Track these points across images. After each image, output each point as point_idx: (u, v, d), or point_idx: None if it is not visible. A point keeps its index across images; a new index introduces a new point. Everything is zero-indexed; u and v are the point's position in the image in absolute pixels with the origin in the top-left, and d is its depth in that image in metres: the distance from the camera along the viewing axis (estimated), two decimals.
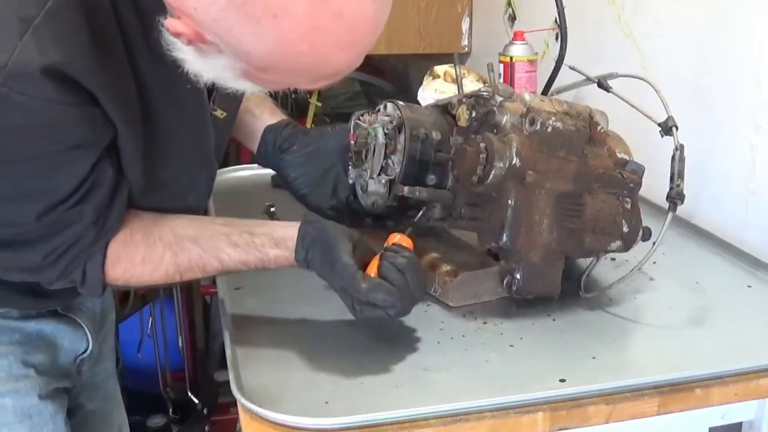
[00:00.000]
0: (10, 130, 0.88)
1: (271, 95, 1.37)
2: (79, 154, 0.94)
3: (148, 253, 1.03)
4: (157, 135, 1.01)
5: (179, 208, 1.09)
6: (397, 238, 1.07)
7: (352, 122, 1.19)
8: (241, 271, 1.08)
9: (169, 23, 0.85)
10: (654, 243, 1.15)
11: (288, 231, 1.06)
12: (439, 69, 1.75)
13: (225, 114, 1.17)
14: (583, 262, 1.23)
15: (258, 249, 1.06)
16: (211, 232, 1.06)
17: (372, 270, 1.04)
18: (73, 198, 0.95)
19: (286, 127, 1.31)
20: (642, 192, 1.21)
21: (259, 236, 1.06)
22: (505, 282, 1.13)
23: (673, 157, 1.17)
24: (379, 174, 1.16)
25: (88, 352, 1.25)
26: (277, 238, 1.06)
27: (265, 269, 1.07)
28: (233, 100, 1.20)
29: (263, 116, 1.32)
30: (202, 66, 0.88)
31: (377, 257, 1.05)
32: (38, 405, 1.15)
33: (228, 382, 0.97)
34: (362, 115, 1.19)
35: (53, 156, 0.92)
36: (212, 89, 1.08)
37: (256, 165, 1.42)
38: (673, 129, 1.18)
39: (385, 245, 1.07)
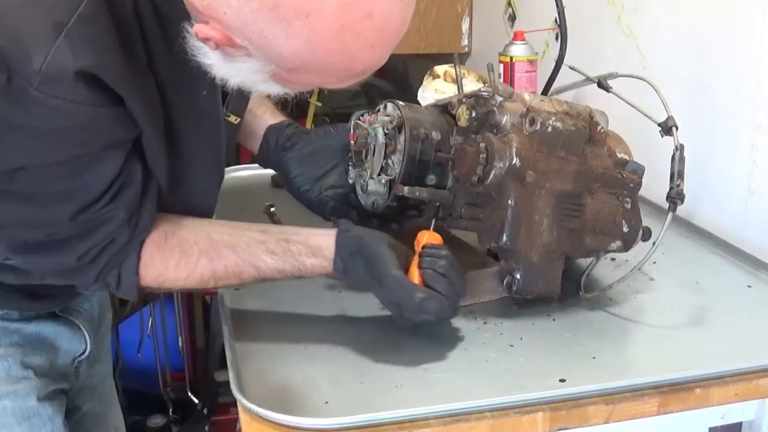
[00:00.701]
0: (43, 133, 0.89)
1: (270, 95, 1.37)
2: (110, 153, 0.95)
3: (184, 258, 1.03)
4: (176, 139, 1.01)
5: (190, 211, 1.08)
6: (426, 236, 1.08)
7: (352, 122, 1.19)
8: (276, 280, 1.07)
9: (198, 28, 0.85)
10: (654, 243, 1.15)
11: (324, 240, 1.06)
12: (439, 69, 1.75)
13: (238, 119, 1.17)
14: (583, 262, 1.23)
15: (295, 257, 1.05)
16: (247, 239, 1.06)
17: (413, 276, 1.04)
18: (105, 197, 0.96)
19: (288, 126, 1.32)
20: (642, 192, 1.21)
21: (295, 244, 1.06)
22: (505, 282, 1.13)
23: (673, 157, 1.17)
24: (379, 174, 1.16)
25: (86, 353, 1.25)
26: (313, 247, 1.06)
27: (301, 277, 1.07)
28: (244, 105, 1.20)
29: (265, 116, 1.33)
30: (229, 70, 0.89)
31: (415, 262, 1.06)
32: (37, 407, 1.15)
33: (228, 382, 0.97)
34: (362, 115, 1.19)
35: (85, 157, 0.93)
36: (226, 95, 1.08)
37: (256, 165, 1.42)
38: (673, 129, 1.17)
39: (420, 248, 1.07)
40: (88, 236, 0.97)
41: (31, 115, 0.86)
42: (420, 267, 1.05)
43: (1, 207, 0.94)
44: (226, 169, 1.72)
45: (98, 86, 0.88)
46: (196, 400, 2.59)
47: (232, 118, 1.16)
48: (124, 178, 0.97)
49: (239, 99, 1.16)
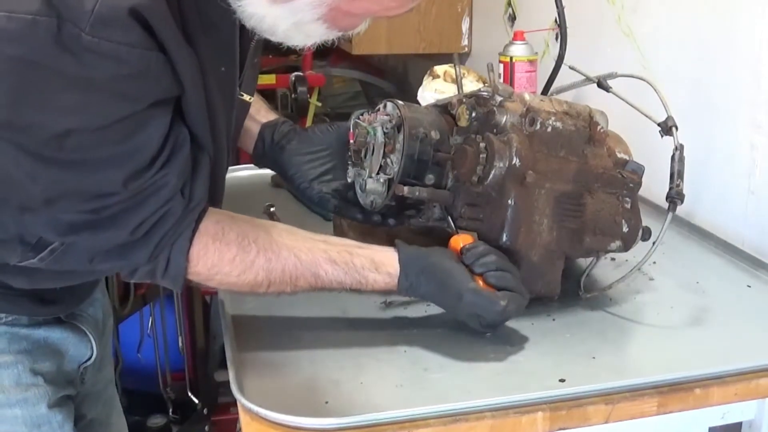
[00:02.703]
0: (95, 86, 0.85)
1: (271, 95, 1.37)
2: (158, 112, 0.91)
3: (241, 253, 1.00)
4: (213, 114, 0.99)
5: (209, 197, 1.04)
6: (460, 240, 1.08)
7: (352, 121, 1.19)
8: (333, 290, 1.05)
9: None
10: (654, 243, 1.15)
11: (387, 255, 1.06)
12: (439, 69, 1.75)
13: (251, 98, 1.15)
14: (583, 262, 1.23)
15: (357, 271, 1.04)
16: (309, 245, 1.04)
17: (477, 283, 1.05)
18: (157, 162, 0.92)
19: (283, 123, 1.31)
20: (642, 192, 1.21)
21: (358, 257, 1.04)
22: None
23: (672, 157, 1.17)
24: (377, 173, 1.16)
25: (92, 359, 1.23)
26: (377, 262, 1.05)
27: (359, 292, 1.06)
28: (254, 84, 1.18)
29: (258, 114, 1.31)
30: (280, 12, 0.87)
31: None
32: (47, 414, 1.13)
33: (228, 382, 0.97)
34: (362, 114, 1.19)
35: (134, 117, 0.89)
36: (239, 74, 1.06)
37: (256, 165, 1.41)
38: (673, 129, 1.18)
39: (461, 252, 1.07)
40: (140, 207, 0.93)
41: (83, 64, 0.83)
42: (475, 272, 1.05)
43: (50, 177, 0.90)
44: None
45: (148, 30, 0.85)
46: (196, 400, 2.59)
47: (246, 97, 1.14)
48: (173, 142, 0.93)
49: (251, 78, 1.15)
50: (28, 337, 1.13)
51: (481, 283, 1.05)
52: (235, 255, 1.00)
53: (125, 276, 1.02)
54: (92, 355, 1.23)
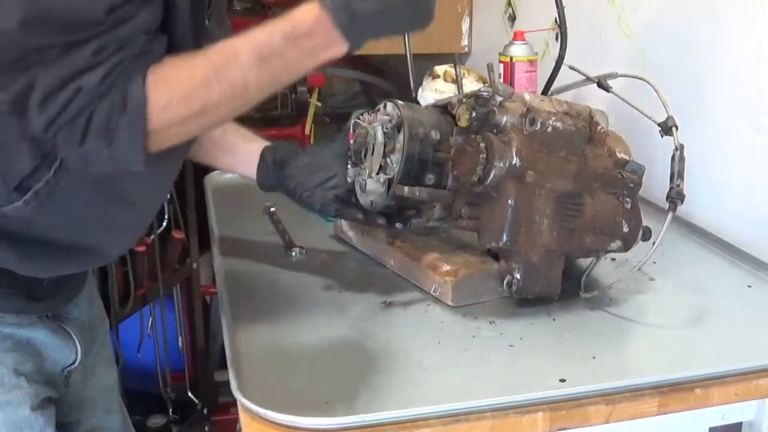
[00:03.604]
0: None
1: (270, 95, 1.37)
2: None
3: (181, 62, 0.97)
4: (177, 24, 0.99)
5: None
6: None
7: (352, 121, 1.19)
8: (278, 50, 0.97)
9: None
10: (654, 243, 1.15)
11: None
12: (439, 69, 1.75)
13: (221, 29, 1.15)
14: (583, 262, 1.23)
15: (287, 15, 0.97)
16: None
17: None
18: None
19: (282, 145, 1.32)
20: (642, 192, 1.21)
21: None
22: (505, 282, 1.13)
23: (673, 157, 1.17)
24: (377, 173, 1.16)
25: (77, 363, 1.22)
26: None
27: (295, 35, 0.97)
28: (222, 20, 1.18)
29: (253, 141, 1.32)
30: None
31: None
32: (29, 417, 1.12)
33: (228, 382, 0.97)
34: (362, 114, 1.19)
35: None
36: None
37: None
38: (673, 129, 1.18)
39: None
40: (107, 35, 0.91)
41: None
42: None
43: None
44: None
45: None
46: (196, 400, 2.59)
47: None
48: None
49: (218, 8, 1.14)
50: (12, 337, 1.12)
51: None
52: (183, 67, 0.97)
53: (70, 117, 0.93)
54: (77, 358, 1.22)
